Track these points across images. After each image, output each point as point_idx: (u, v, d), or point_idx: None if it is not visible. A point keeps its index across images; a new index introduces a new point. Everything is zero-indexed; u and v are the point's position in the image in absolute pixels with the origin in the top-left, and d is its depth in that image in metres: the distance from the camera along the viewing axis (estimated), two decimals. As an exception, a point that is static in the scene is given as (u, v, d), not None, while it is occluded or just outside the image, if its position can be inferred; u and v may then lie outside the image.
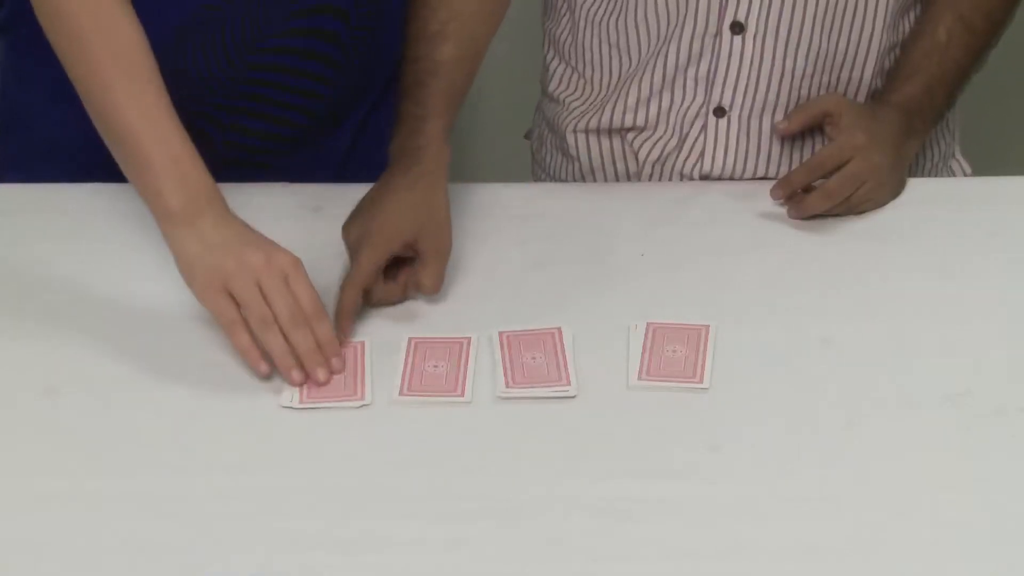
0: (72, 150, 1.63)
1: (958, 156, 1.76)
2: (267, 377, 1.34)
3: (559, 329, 1.38)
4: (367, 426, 1.30)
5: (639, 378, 1.33)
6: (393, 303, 1.44)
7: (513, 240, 1.54)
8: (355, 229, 1.45)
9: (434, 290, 1.43)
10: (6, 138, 1.71)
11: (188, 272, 1.37)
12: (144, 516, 1.20)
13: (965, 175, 1.75)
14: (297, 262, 1.36)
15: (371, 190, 1.48)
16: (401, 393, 1.33)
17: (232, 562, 1.16)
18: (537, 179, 1.78)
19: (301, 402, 1.32)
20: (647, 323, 1.39)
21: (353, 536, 1.18)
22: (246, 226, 1.39)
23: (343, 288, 1.41)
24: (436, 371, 1.35)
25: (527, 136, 1.83)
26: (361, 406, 1.32)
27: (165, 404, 1.32)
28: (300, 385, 1.33)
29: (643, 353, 1.36)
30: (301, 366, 1.34)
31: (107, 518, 1.20)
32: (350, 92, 1.69)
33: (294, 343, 1.34)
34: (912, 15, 1.64)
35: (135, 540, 1.18)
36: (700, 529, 1.18)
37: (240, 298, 1.34)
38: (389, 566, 1.16)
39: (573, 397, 1.32)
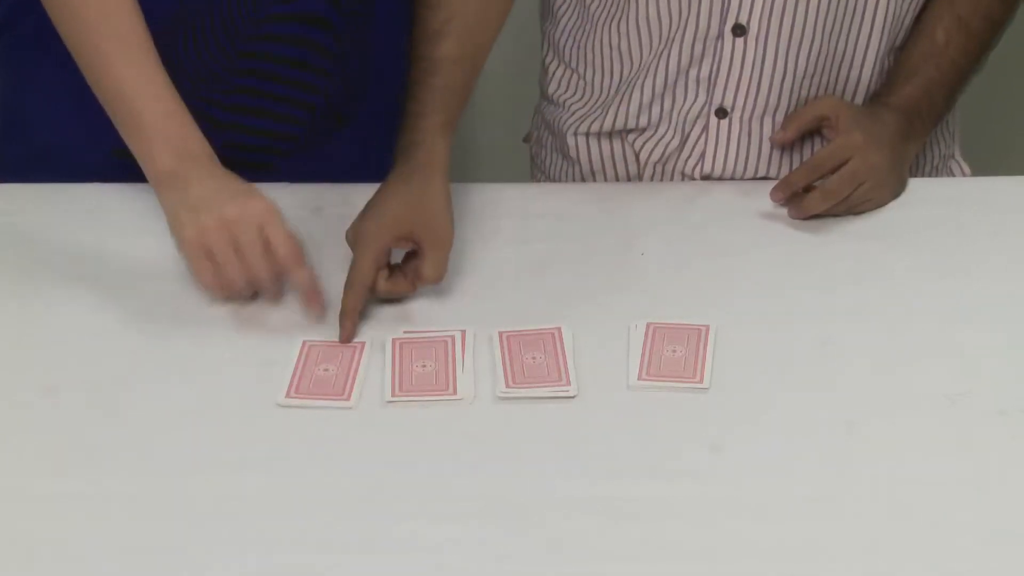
0: (72, 154, 1.63)
1: (957, 158, 1.76)
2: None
3: (559, 329, 1.38)
4: (367, 426, 1.30)
5: (639, 378, 1.33)
6: (404, 296, 1.44)
7: (513, 240, 1.54)
8: (353, 230, 1.46)
9: (435, 279, 1.43)
10: (5, 143, 1.71)
11: (174, 233, 1.42)
12: (144, 516, 1.20)
13: (964, 176, 1.75)
14: (271, 209, 1.40)
15: (375, 192, 1.49)
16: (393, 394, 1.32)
17: (232, 562, 1.16)
18: (536, 182, 1.77)
19: (294, 397, 1.32)
20: (647, 323, 1.39)
21: (353, 536, 1.18)
22: (231, 178, 1.42)
23: (345, 290, 1.41)
24: (424, 371, 1.35)
25: (526, 139, 1.82)
26: (356, 406, 1.32)
27: (166, 404, 1.32)
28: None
29: (643, 353, 1.36)
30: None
31: (107, 518, 1.20)
32: (347, 88, 1.69)
33: (268, 296, 1.41)
34: (912, 17, 1.64)
35: (135, 540, 1.18)
36: (700, 529, 1.18)
37: (218, 259, 1.39)
38: (389, 566, 1.15)
39: (573, 397, 1.32)
